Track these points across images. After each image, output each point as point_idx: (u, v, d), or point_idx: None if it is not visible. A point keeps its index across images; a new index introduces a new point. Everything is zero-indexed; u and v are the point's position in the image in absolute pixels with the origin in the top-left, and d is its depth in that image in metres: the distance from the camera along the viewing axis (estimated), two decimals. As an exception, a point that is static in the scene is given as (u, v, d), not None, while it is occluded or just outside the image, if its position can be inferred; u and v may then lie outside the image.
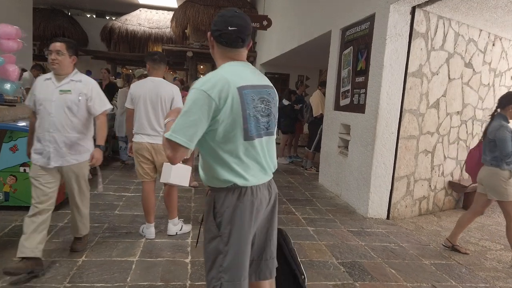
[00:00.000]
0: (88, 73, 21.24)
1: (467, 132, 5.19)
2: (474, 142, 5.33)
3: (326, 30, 6.11)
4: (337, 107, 5.55)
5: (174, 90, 3.26)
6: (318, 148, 6.80)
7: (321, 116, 6.47)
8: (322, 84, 6.77)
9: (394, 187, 4.47)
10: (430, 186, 4.85)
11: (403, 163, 4.50)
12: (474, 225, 4.49)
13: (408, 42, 4.26)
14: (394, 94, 4.29)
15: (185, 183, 3.31)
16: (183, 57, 13.52)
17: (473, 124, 5.26)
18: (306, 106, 7.05)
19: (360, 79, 4.81)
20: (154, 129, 3.21)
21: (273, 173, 1.78)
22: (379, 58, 4.28)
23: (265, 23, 7.88)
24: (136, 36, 17.96)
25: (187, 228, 3.58)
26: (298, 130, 7.82)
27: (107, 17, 22.00)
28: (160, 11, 19.21)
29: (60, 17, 19.60)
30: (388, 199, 4.47)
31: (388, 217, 4.49)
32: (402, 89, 4.31)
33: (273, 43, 10.65)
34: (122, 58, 18.34)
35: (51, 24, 18.98)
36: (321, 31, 6.37)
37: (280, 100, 8.28)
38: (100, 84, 7.53)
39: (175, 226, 3.46)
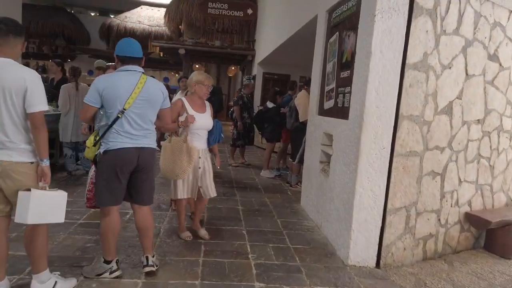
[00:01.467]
0: (90, 73, 20.71)
1: (491, 147, 3.90)
2: (500, 160, 4.03)
3: (312, 15, 4.93)
4: (321, 111, 4.34)
5: (27, 77, 2.10)
6: (302, 160, 5.64)
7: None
8: (308, 83, 5.59)
9: (387, 223, 3.23)
10: (439, 220, 3.58)
11: (400, 189, 3.26)
12: (500, 279, 3.21)
13: (408, 21, 3.03)
14: (387, 94, 3.06)
15: (58, 218, 2.23)
16: (178, 56, 12.49)
17: (499, 136, 3.96)
18: (290, 110, 5.86)
19: (345, 73, 3.59)
20: (-5, 138, 2.09)
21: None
22: (366, 43, 3.06)
23: (249, 11, 6.76)
24: (135, 34, 17.09)
25: (67, 285, 2.44)
26: (287, 137, 6.61)
27: (111, 16, 21.26)
28: (162, 9, 18.31)
29: (61, 14, 18.94)
30: (377, 240, 3.23)
31: (378, 265, 3.24)
32: (398, 87, 3.08)
33: (268, 38, 9.50)
34: (118, 57, 17.50)
35: (50, 22, 18.31)
36: (308, 17, 5.19)
37: (264, 102, 7.13)
38: (52, 80, 6.54)
39: (43, 284, 2.33)
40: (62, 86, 5.37)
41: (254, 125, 6.79)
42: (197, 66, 13.59)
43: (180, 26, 12.60)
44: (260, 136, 8.88)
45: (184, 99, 3.31)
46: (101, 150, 2.45)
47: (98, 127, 2.48)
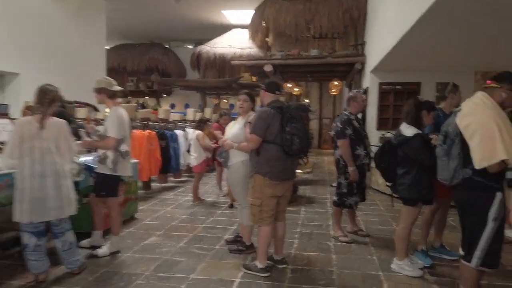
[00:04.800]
0: (187, 105, 19.87)
1: None
2: None
3: None
4: None
5: None
6: (492, 262, 2.40)
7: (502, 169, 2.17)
8: (501, 79, 2.41)
9: None
10: None
11: None
12: None
13: None
14: None
15: None
16: (265, 75, 10.01)
17: None
18: (447, 139, 2.61)
19: None
20: None
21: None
22: None
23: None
24: (225, 59, 15.37)
25: None
26: (443, 194, 3.34)
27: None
28: (255, 29, 16.31)
29: (155, 50, 18.50)
30: None
31: None
32: None
33: (384, 33, 6.33)
34: (207, 86, 15.88)
35: (146, 58, 17.92)
36: None
37: (387, 126, 3.93)
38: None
39: None
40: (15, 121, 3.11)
41: (378, 170, 3.63)
42: (289, 85, 10.91)
43: (267, 38, 10.22)
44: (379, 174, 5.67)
45: None
46: None
47: None
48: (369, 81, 8.17)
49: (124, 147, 3.50)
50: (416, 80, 7.90)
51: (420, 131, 3.15)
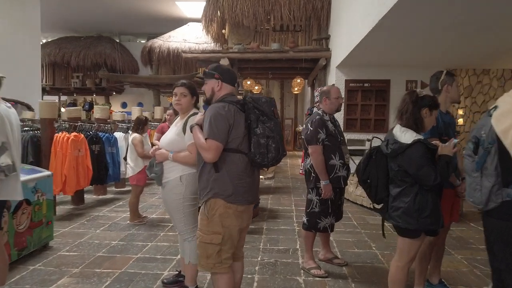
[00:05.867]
0: (140, 104, 18.42)
1: None
2: None
3: None
4: None
5: None
6: None
7: None
8: None
9: None
10: None
11: None
12: None
13: None
14: None
15: None
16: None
17: None
18: (484, 149, 1.80)
19: None
20: None
21: None
22: None
23: None
24: (180, 54, 14.18)
25: None
26: (449, 215, 2.57)
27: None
28: (212, 24, 15.21)
29: (104, 44, 16.91)
30: None
31: None
32: None
33: (351, 26, 5.58)
34: (160, 83, 14.60)
35: (92, 52, 16.30)
36: None
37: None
38: None
39: None
40: None
41: (362, 188, 2.76)
42: (248, 82, 10.02)
43: (223, 30, 9.26)
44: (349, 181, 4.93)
45: None
46: None
47: None
48: (335, 78, 7.43)
49: (5, 160, 2.41)
50: (385, 77, 7.28)
51: (420, 137, 2.33)
